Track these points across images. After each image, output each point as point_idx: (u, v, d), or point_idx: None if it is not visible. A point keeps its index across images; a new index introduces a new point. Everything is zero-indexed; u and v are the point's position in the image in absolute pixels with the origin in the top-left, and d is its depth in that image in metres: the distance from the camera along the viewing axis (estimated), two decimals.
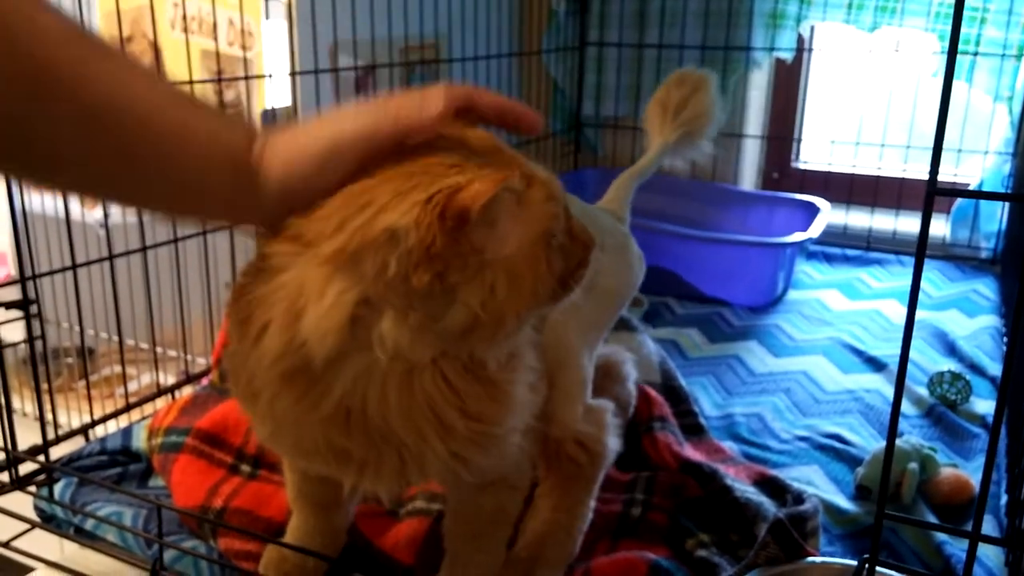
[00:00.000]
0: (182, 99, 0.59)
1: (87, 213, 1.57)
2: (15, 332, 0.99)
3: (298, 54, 1.45)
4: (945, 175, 1.99)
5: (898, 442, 1.03)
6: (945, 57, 0.78)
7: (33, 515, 0.96)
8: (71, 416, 1.41)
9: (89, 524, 0.92)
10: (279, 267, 0.58)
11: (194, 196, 0.62)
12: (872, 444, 1.14)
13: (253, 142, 0.59)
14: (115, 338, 1.20)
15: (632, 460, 1.02)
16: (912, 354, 0.53)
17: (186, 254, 1.22)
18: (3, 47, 0.51)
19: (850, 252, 1.98)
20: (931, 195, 0.53)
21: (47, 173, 0.59)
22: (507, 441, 0.65)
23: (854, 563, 0.73)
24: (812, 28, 2.00)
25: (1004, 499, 1.00)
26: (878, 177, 2.01)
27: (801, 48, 2.01)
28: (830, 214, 1.81)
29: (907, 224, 1.95)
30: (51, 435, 1.04)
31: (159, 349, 1.28)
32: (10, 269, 1.84)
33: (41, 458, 1.00)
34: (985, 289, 1.73)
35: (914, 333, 0.57)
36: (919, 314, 0.60)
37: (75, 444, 1.08)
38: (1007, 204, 1.80)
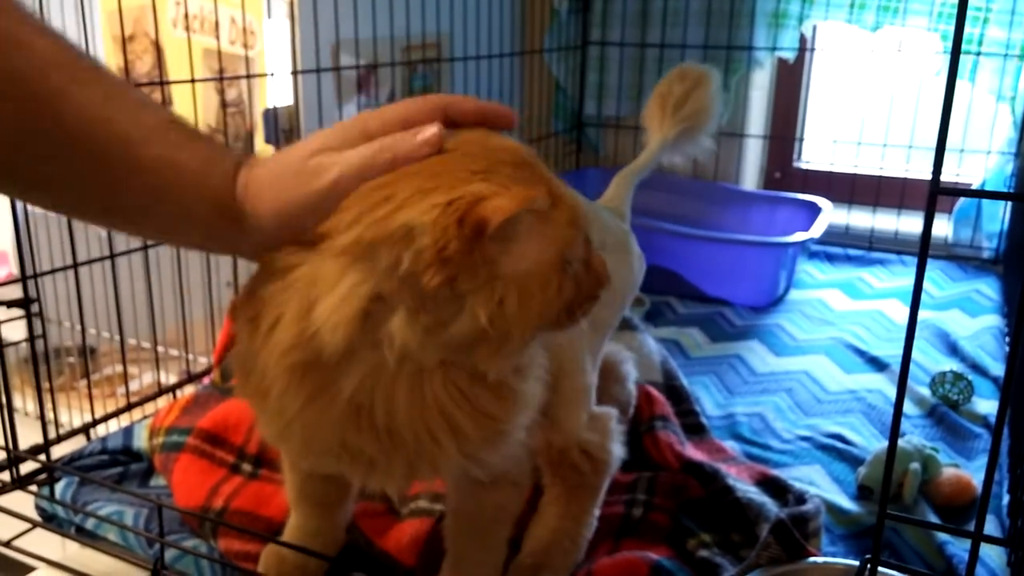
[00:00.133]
0: (170, 130, 0.59)
1: None
2: (16, 331, 0.99)
3: (300, 53, 1.45)
4: (947, 175, 1.99)
5: (900, 442, 1.03)
6: (948, 57, 0.78)
7: (34, 514, 0.96)
8: (72, 415, 1.41)
9: (90, 523, 0.92)
10: (291, 264, 0.57)
11: (180, 229, 0.62)
12: (874, 444, 1.13)
13: (238, 178, 0.59)
14: (116, 337, 1.20)
15: (633, 460, 1.02)
16: (914, 354, 0.53)
17: (187, 253, 1.21)
18: None
19: (852, 252, 1.98)
20: (934, 195, 0.52)
21: (38, 194, 0.60)
22: (515, 436, 0.65)
23: (856, 563, 0.73)
24: (814, 27, 2.00)
25: (1006, 499, 1.00)
26: (880, 177, 2.00)
27: (803, 48, 2.01)
28: (832, 214, 1.81)
29: (909, 224, 1.95)
30: (52, 434, 1.04)
31: (160, 348, 1.28)
32: (11, 268, 1.84)
33: (42, 457, 1.00)
34: (987, 289, 1.73)
35: (916, 333, 0.56)
36: (921, 314, 0.60)
37: (76, 443, 1.08)
38: (1009, 204, 1.80)
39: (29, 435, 1.00)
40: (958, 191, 1.78)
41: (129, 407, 1.18)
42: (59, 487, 0.97)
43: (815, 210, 1.81)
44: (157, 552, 0.86)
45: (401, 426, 0.59)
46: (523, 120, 2.13)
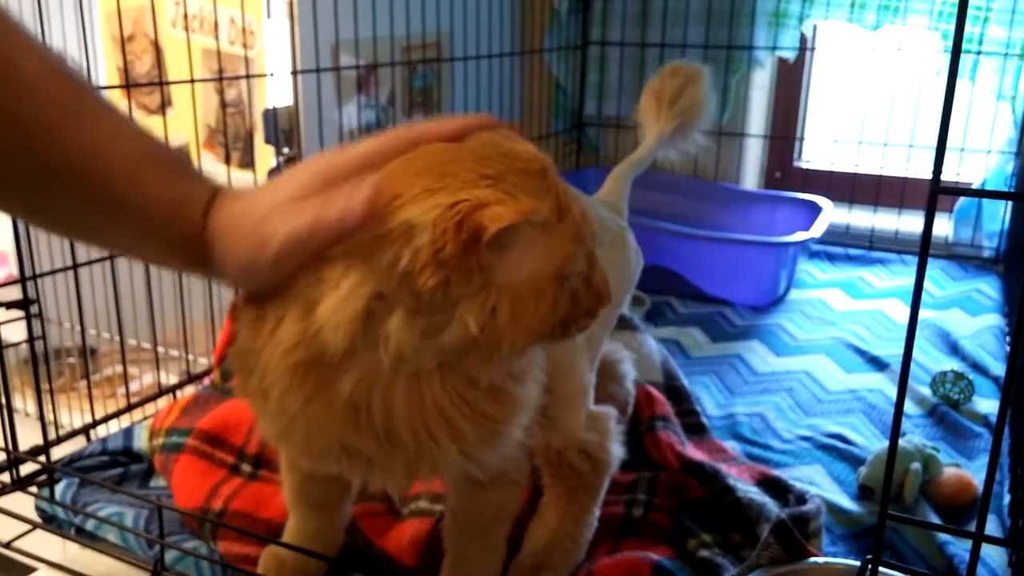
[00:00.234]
0: (146, 166, 0.59)
1: None
2: (16, 332, 0.99)
3: (300, 53, 1.45)
4: (948, 174, 1.99)
5: (900, 442, 1.02)
6: (948, 56, 0.78)
7: (34, 516, 0.96)
8: (72, 416, 1.41)
9: (90, 525, 0.92)
10: None
11: (160, 261, 0.65)
12: (874, 444, 1.13)
13: (207, 222, 0.59)
14: (116, 338, 1.20)
15: (634, 460, 1.02)
16: (915, 354, 0.52)
17: None
18: None
19: (852, 251, 1.98)
20: (935, 194, 0.52)
21: (24, 214, 0.63)
22: (513, 437, 0.65)
23: (857, 564, 0.72)
24: (815, 27, 2.00)
25: (1007, 499, 1.00)
26: (880, 176, 2.00)
27: (804, 47, 2.01)
28: (832, 213, 1.81)
29: (909, 223, 1.95)
30: (52, 435, 1.04)
31: (161, 349, 1.28)
32: (11, 269, 1.84)
33: (42, 458, 1.00)
34: (988, 288, 1.72)
35: (917, 333, 0.56)
36: (922, 313, 0.59)
37: (76, 444, 1.08)
38: (1010, 203, 1.80)
39: (29, 436, 1.00)
40: (959, 190, 1.78)
41: (129, 408, 1.17)
42: (59, 488, 0.97)
43: (815, 210, 1.81)
44: (157, 553, 0.86)
45: (399, 426, 0.59)
46: (523, 120, 2.13)
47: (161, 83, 1.35)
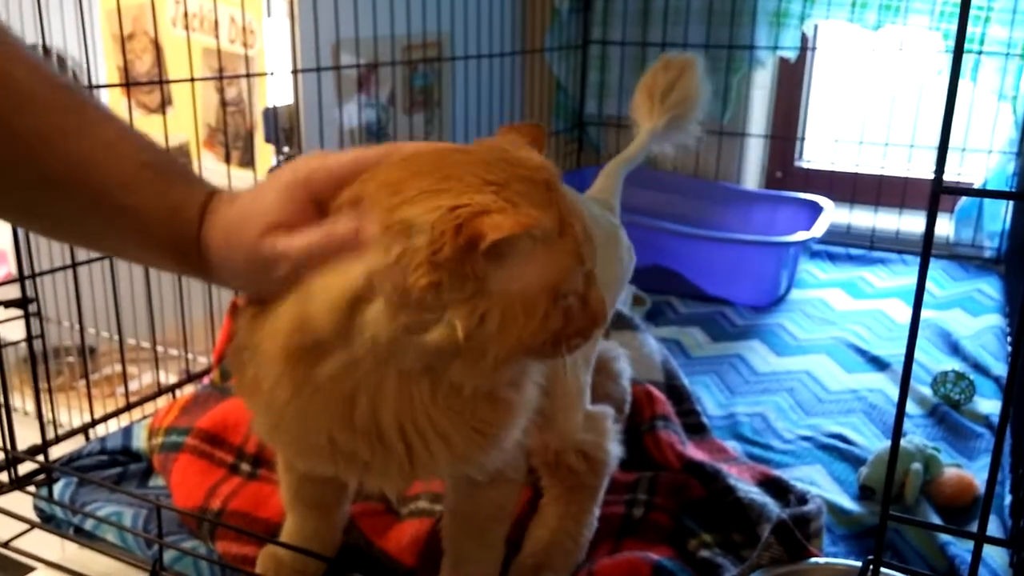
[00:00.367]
0: (143, 172, 0.59)
1: None
2: (15, 331, 0.99)
3: (300, 52, 1.44)
4: (949, 174, 1.99)
5: (901, 442, 1.02)
6: (950, 56, 0.78)
7: (33, 515, 0.96)
8: (71, 415, 1.41)
9: (89, 524, 0.92)
10: None
11: (157, 262, 0.66)
12: (876, 444, 1.13)
13: (202, 230, 0.60)
14: (116, 337, 1.19)
15: (634, 460, 1.01)
16: (916, 354, 0.52)
17: None
18: None
19: (853, 251, 1.98)
20: (936, 194, 0.52)
21: (23, 221, 0.64)
22: (509, 439, 0.65)
23: (858, 564, 0.72)
24: (816, 27, 2.00)
25: (1008, 499, 1.00)
26: (882, 176, 2.00)
27: (805, 47, 2.01)
28: (833, 213, 1.81)
29: (911, 223, 1.95)
30: (51, 435, 1.03)
31: (160, 348, 1.28)
32: (10, 267, 1.83)
33: (41, 458, 1.00)
34: (989, 288, 1.72)
35: (918, 333, 0.56)
36: (923, 313, 0.59)
37: (75, 444, 1.08)
38: (1011, 203, 1.79)
39: (28, 435, 1.00)
40: (960, 190, 1.77)
41: (128, 407, 1.17)
42: (58, 488, 0.97)
43: (816, 209, 1.80)
44: (156, 553, 0.85)
45: (388, 428, 0.59)
46: (524, 119, 2.13)
47: (161, 82, 1.34)
